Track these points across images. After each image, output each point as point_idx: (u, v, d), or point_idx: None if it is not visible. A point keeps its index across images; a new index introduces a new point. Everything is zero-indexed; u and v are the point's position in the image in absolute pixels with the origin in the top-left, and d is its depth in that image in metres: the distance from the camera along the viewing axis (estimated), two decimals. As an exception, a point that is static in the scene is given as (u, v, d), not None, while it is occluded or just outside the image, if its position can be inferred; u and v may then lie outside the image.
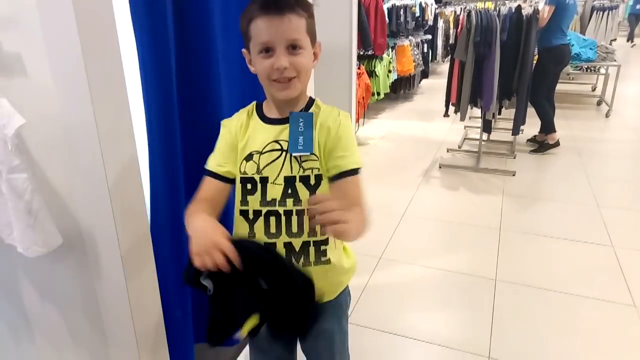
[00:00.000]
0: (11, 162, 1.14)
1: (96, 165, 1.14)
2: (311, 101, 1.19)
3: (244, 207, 1.17)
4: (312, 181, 1.13)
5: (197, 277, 1.00)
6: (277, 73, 1.05)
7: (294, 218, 1.14)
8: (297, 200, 1.14)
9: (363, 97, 4.73)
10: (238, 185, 1.19)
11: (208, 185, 1.19)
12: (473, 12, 3.77)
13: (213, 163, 1.21)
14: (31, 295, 1.47)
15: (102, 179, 1.14)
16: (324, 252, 1.19)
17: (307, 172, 1.13)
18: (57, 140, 1.18)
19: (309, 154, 1.11)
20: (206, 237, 0.97)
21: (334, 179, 1.13)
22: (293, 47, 1.05)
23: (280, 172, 1.13)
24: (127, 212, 1.22)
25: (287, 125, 1.13)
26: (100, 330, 1.38)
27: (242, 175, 1.17)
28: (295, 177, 1.13)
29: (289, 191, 1.13)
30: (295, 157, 1.12)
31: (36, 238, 1.22)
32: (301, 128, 1.12)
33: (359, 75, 4.59)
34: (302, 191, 1.13)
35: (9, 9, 1.09)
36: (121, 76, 1.14)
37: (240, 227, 1.20)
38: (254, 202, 1.16)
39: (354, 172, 1.13)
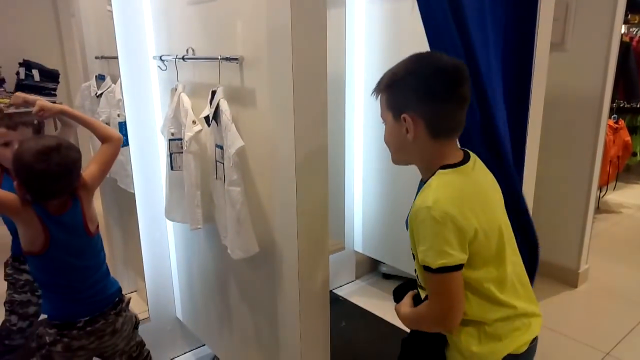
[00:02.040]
0: (231, 176, 1.37)
1: (290, 192, 1.26)
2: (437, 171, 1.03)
3: None
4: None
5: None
6: None
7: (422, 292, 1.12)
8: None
9: (618, 156, 3.96)
10: None
11: None
12: None
13: None
14: (234, 292, 1.72)
15: (293, 204, 1.26)
16: None
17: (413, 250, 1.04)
18: (267, 163, 1.37)
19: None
20: None
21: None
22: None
23: None
24: (310, 238, 1.31)
25: None
26: (275, 333, 1.50)
27: None
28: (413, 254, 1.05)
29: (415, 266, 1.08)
30: None
31: (240, 243, 1.43)
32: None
33: (616, 130, 3.88)
34: (417, 267, 1.04)
35: (253, 54, 1.33)
36: (324, 114, 1.25)
37: None
38: None
39: (428, 269, 0.96)
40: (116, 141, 1.49)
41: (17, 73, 2.59)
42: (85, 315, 1.40)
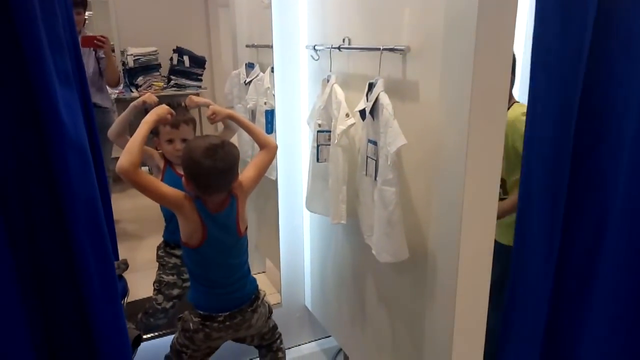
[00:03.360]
0: (386, 175, 1.28)
1: (455, 197, 1.14)
2: None
3: None
4: None
5: None
6: None
7: None
8: None
9: None
10: None
11: None
12: None
13: None
14: (371, 291, 1.66)
15: (458, 211, 1.14)
16: None
17: None
18: (427, 163, 1.26)
19: None
20: None
21: None
22: None
23: None
24: (474, 249, 1.18)
25: None
26: (419, 344, 1.40)
27: None
28: None
29: None
30: None
31: (389, 247, 1.35)
32: None
33: None
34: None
35: (421, 44, 1.22)
36: (503, 111, 1.11)
37: None
38: None
39: None
40: (273, 149, 1.56)
41: (171, 59, 2.81)
42: (225, 310, 1.48)
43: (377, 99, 1.30)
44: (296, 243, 2.10)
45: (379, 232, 1.36)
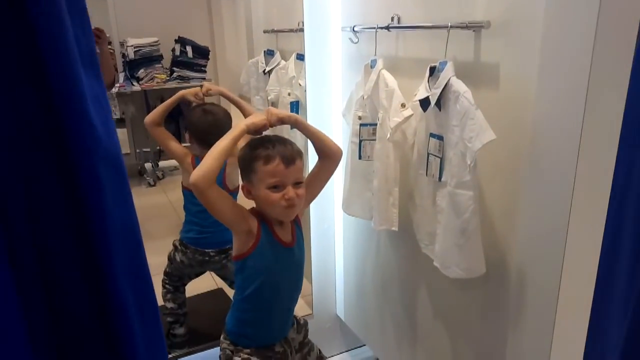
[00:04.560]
0: (462, 176, 1.08)
1: (558, 205, 0.93)
2: None
3: None
4: None
5: None
6: None
7: None
8: None
9: None
10: None
11: None
12: None
13: None
14: (425, 306, 1.46)
15: (562, 222, 0.93)
16: None
17: None
18: (511, 162, 1.06)
19: None
20: None
21: None
22: None
23: None
24: (580, 269, 0.97)
25: None
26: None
27: None
28: None
29: None
30: None
31: (460, 260, 1.15)
32: None
33: None
34: None
35: (508, 17, 1.01)
36: (620, 114, 0.90)
37: None
38: None
39: None
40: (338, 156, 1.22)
41: (173, 50, 2.59)
42: None
43: (446, 85, 1.09)
44: (327, 248, 1.90)
45: (448, 243, 1.16)
